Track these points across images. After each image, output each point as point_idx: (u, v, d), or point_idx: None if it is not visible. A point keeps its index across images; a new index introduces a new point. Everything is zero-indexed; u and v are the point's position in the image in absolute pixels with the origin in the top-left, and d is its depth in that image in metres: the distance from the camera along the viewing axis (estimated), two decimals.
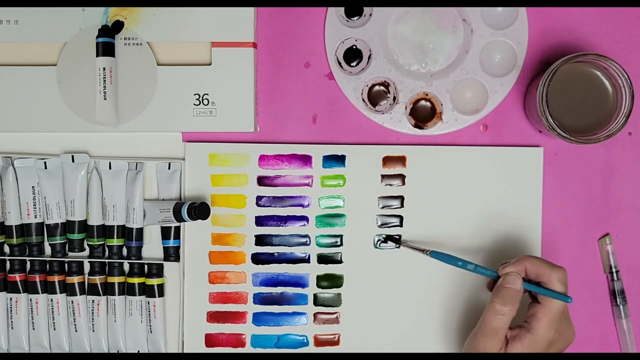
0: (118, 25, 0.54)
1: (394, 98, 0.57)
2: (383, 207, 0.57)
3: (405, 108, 0.57)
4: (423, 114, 0.57)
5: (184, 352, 0.57)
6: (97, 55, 0.54)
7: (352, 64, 0.57)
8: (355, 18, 0.57)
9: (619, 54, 0.57)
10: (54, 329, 0.57)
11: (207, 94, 0.55)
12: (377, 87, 0.57)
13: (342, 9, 0.57)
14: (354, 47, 0.57)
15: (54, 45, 0.55)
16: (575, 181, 0.58)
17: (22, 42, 0.55)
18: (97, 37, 0.54)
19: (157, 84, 0.55)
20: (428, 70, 0.57)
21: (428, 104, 0.57)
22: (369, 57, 0.57)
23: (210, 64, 0.55)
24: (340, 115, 0.57)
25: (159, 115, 0.55)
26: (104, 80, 0.54)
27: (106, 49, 0.54)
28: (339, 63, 0.57)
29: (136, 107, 0.55)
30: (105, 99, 0.54)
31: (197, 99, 0.55)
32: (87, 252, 0.57)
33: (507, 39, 0.56)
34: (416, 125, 0.57)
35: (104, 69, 0.54)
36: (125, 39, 0.55)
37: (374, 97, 0.57)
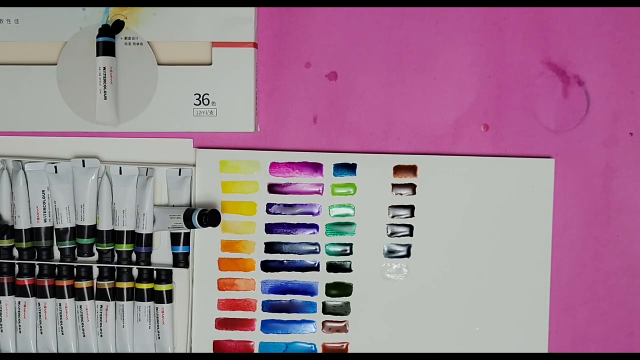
0: (118, 25, 0.54)
1: None
2: (393, 217, 0.57)
3: None
4: None
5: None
6: (98, 55, 0.54)
7: None
8: None
9: (619, 54, 0.56)
10: (62, 334, 0.57)
11: (208, 94, 0.55)
12: None
13: None
14: None
15: (54, 44, 0.55)
16: (576, 182, 0.58)
17: (22, 41, 0.55)
18: (98, 36, 0.54)
19: (157, 84, 0.55)
20: None
21: None
22: None
23: (210, 64, 0.55)
24: (341, 115, 0.57)
25: (160, 115, 0.55)
26: (104, 80, 0.54)
27: (106, 49, 0.54)
28: None
29: (136, 107, 0.55)
30: (105, 98, 0.54)
31: (198, 99, 0.55)
32: (96, 257, 0.57)
33: None
34: None
35: (104, 68, 0.54)
36: (125, 38, 0.54)
37: None
